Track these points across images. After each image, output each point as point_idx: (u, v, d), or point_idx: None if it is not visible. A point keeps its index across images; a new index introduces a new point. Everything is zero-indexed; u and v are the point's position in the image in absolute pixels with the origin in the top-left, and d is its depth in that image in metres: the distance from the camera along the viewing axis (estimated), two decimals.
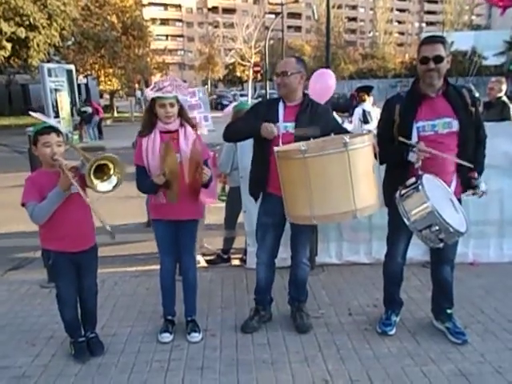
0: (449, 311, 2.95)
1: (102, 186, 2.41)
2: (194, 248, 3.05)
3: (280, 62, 2.98)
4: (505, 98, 5.80)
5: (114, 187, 2.45)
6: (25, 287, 3.86)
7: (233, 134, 3.05)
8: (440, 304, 2.99)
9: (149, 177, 2.75)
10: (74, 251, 2.65)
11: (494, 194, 3.82)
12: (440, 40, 2.57)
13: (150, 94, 2.73)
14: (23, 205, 2.52)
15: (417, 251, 3.69)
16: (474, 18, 61.84)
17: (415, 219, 2.43)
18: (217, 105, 35.68)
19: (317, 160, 2.37)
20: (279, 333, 3.06)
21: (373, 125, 5.54)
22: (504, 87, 5.84)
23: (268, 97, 25.24)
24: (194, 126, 2.88)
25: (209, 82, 47.05)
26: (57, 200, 2.49)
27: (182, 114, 2.84)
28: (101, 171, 2.41)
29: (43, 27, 17.96)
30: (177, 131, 2.80)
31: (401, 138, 2.56)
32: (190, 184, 2.74)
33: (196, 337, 2.97)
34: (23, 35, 17.22)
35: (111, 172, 2.43)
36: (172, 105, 2.74)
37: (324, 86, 4.68)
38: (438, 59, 2.52)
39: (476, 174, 2.67)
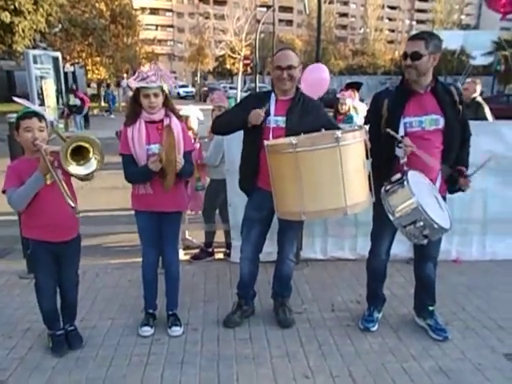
0: (431, 308, 2.96)
1: (77, 168, 2.35)
2: (177, 241, 3.00)
3: (275, 55, 2.87)
4: (479, 99, 5.84)
5: (92, 172, 2.38)
6: (3, 278, 3.78)
7: (222, 126, 3.00)
8: (422, 301, 3.00)
9: (136, 165, 2.69)
10: (54, 241, 2.59)
11: (478, 193, 3.85)
12: (424, 37, 2.52)
13: (133, 83, 2.66)
14: (3, 192, 2.47)
15: (401, 248, 3.70)
16: (463, 17, 62.24)
17: (400, 215, 2.42)
18: (206, 97, 35.38)
19: (307, 155, 2.33)
20: (261, 327, 3.04)
21: (358, 121, 5.53)
22: (479, 88, 5.87)
23: (258, 90, 25.16)
24: (179, 117, 2.82)
25: (198, 73, 46.64)
26: (35, 185, 2.42)
27: (167, 104, 2.77)
28: (80, 154, 2.35)
29: (29, 12, 17.50)
30: (161, 121, 2.74)
31: (388, 130, 2.53)
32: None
33: (177, 331, 2.93)
34: (8, 20, 16.76)
35: (90, 155, 2.36)
36: (156, 95, 2.67)
37: (318, 78, 4.64)
38: (416, 56, 2.50)
39: (465, 168, 2.67)
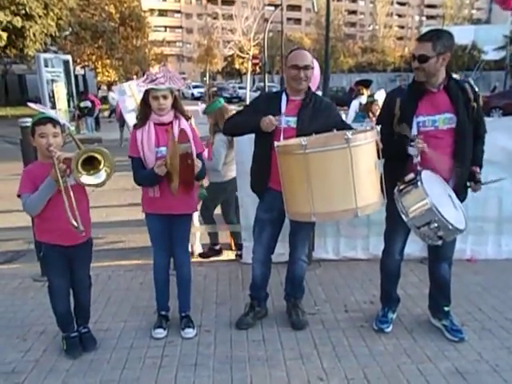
0: (446, 308, 2.92)
1: (87, 178, 2.37)
2: (187, 242, 3.00)
3: (295, 53, 2.78)
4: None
5: (101, 183, 2.40)
6: (17, 281, 3.81)
7: (233, 128, 2.99)
8: (437, 301, 2.96)
9: (145, 168, 2.69)
10: (65, 244, 2.61)
11: (493, 191, 3.77)
12: (431, 38, 2.46)
13: (142, 85, 2.66)
14: (19, 196, 2.51)
15: (415, 247, 3.66)
16: (474, 12, 61.56)
17: (414, 216, 2.39)
18: (215, 97, 35.46)
19: (318, 156, 2.30)
20: (274, 329, 3.02)
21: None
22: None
23: (267, 89, 25.12)
24: (188, 118, 2.82)
25: (207, 74, 46.72)
26: (48, 191, 2.44)
27: (176, 105, 2.77)
28: (90, 164, 2.37)
29: (39, 17, 17.74)
30: (171, 123, 2.74)
31: (403, 126, 2.49)
32: (180, 175, 2.66)
33: (190, 333, 2.93)
34: (19, 24, 17.02)
35: (100, 166, 2.38)
36: (165, 97, 2.67)
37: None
38: (422, 58, 2.46)
39: (478, 169, 2.63)
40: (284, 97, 2.81)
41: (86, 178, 2.37)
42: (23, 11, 16.98)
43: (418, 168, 2.47)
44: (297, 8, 67.67)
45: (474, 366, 2.59)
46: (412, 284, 3.60)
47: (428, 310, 3.07)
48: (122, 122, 11.97)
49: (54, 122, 2.50)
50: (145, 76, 2.72)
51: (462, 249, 3.95)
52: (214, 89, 37.45)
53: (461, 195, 2.65)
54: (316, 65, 3.00)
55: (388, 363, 2.63)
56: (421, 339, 2.86)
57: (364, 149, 2.32)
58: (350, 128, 2.78)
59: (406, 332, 2.95)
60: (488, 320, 3.08)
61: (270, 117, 2.66)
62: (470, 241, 4.04)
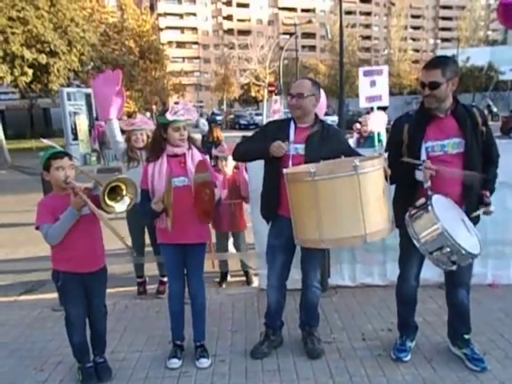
0: (466, 336, 2.83)
1: (118, 206, 2.49)
2: (201, 272, 3.01)
3: (295, 82, 2.93)
4: (379, 131, 5.80)
5: (127, 209, 2.52)
6: (36, 310, 3.87)
7: (243, 154, 3.04)
8: (456, 329, 2.88)
9: (150, 202, 2.76)
10: (83, 272, 2.67)
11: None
12: (439, 65, 2.49)
13: (169, 117, 2.75)
14: (37, 228, 2.58)
15: (433, 272, 3.56)
16: (489, 33, 61.51)
17: (425, 241, 2.36)
18: (234, 124, 36.06)
19: (326, 183, 2.33)
20: (290, 358, 2.98)
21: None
22: (372, 121, 5.79)
23: (283, 116, 25.40)
24: (200, 149, 2.89)
25: (224, 102, 47.62)
26: (70, 220, 2.53)
27: (189, 137, 2.85)
28: (114, 192, 2.48)
29: (63, 53, 18.51)
30: (184, 155, 2.81)
31: (405, 159, 2.51)
32: (196, 206, 2.72)
33: (205, 363, 2.91)
34: (44, 61, 17.77)
35: (124, 193, 2.50)
36: (184, 128, 2.78)
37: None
38: (434, 85, 2.48)
39: (488, 193, 2.60)
40: (292, 124, 2.86)
41: (117, 207, 2.49)
42: (48, 49, 17.76)
43: (429, 193, 2.46)
44: (311, 35, 69.00)
45: None
46: (431, 311, 3.52)
47: (447, 338, 2.98)
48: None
49: (69, 155, 2.62)
50: (170, 109, 2.81)
51: (483, 273, 3.86)
52: (231, 116, 38.02)
53: (473, 219, 2.61)
54: (322, 93, 3.04)
55: None
56: (440, 369, 2.77)
57: (372, 176, 2.33)
58: (357, 154, 2.80)
59: (426, 361, 2.87)
60: (511, 348, 2.97)
61: (279, 142, 2.70)
62: (491, 265, 3.94)
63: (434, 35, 77.37)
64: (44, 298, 4.10)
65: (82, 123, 16.38)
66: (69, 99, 16.03)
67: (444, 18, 77.22)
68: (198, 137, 2.72)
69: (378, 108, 6.80)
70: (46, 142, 2.74)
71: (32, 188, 4.59)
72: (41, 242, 2.64)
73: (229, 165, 4.21)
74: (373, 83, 5.35)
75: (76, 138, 16.02)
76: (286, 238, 2.80)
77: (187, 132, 2.82)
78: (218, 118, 41.23)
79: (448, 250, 2.27)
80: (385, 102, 5.40)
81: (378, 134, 5.81)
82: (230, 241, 4.50)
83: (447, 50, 49.26)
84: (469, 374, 2.71)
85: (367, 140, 5.88)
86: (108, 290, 2.91)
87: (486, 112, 2.88)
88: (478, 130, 2.54)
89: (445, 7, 78.53)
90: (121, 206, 2.50)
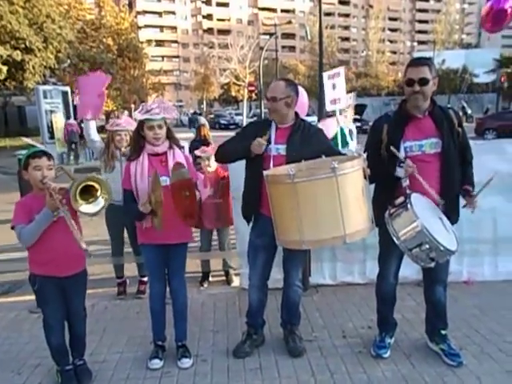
0: (443, 332, 2.90)
1: (87, 207, 2.42)
2: (183, 272, 2.99)
3: (270, 85, 2.92)
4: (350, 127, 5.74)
5: (100, 210, 2.44)
6: (13, 312, 3.79)
7: (224, 155, 3.03)
8: (434, 325, 2.95)
9: (135, 202, 2.72)
10: (60, 276, 2.60)
11: (487, 212, 3.81)
12: (426, 62, 2.58)
13: (138, 116, 2.73)
14: (13, 228, 2.52)
15: (411, 270, 3.64)
16: (464, 36, 63.09)
17: (405, 238, 2.41)
18: (215, 124, 36.00)
19: (305, 185, 2.35)
20: (271, 357, 2.99)
21: (353, 144, 5.46)
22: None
23: (263, 116, 25.45)
24: (181, 148, 2.87)
25: (204, 101, 47.44)
26: (45, 221, 2.47)
27: (170, 136, 2.83)
28: (88, 193, 2.41)
29: (39, 50, 18.14)
30: (165, 154, 2.79)
31: (392, 148, 2.55)
32: (177, 208, 2.69)
33: (186, 362, 2.90)
34: (19, 58, 17.37)
35: (98, 193, 2.43)
36: (160, 126, 2.74)
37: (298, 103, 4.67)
38: (423, 81, 2.53)
39: (470, 187, 2.68)
40: (273, 125, 2.87)
41: (85, 207, 2.42)
42: (23, 45, 17.37)
43: (408, 191, 2.51)
44: (291, 36, 69.29)
45: None
46: (409, 308, 3.59)
47: (425, 334, 3.05)
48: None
49: (48, 155, 2.56)
50: (140, 107, 2.79)
51: (459, 271, 3.96)
52: (211, 116, 37.89)
53: (452, 218, 2.68)
54: (303, 93, 3.07)
55: None
56: (419, 365, 2.83)
57: (351, 176, 2.36)
58: (338, 153, 2.84)
59: (405, 357, 2.93)
60: (487, 343, 3.05)
61: (259, 139, 2.71)
62: (466, 262, 4.04)
63: (411, 37, 78.83)
64: (21, 300, 4.00)
65: (59, 122, 16.03)
66: (45, 97, 15.70)
67: (421, 21, 78.69)
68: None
69: (355, 107, 6.76)
70: (27, 140, 2.69)
71: (7, 187, 4.48)
72: (16, 241, 2.58)
73: (212, 164, 4.19)
74: (334, 86, 5.34)
75: (52, 136, 15.69)
76: (268, 237, 2.81)
77: (164, 131, 2.77)
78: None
79: (427, 246, 2.33)
80: (343, 104, 5.35)
81: (335, 137, 5.75)
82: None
83: (424, 52, 50.22)
84: (446, 368, 2.78)
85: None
86: (87, 291, 2.87)
87: (460, 114, 2.95)
88: (454, 130, 2.61)
89: (421, 10, 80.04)
90: (92, 208, 2.44)
